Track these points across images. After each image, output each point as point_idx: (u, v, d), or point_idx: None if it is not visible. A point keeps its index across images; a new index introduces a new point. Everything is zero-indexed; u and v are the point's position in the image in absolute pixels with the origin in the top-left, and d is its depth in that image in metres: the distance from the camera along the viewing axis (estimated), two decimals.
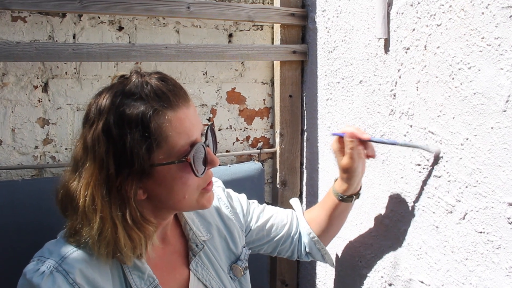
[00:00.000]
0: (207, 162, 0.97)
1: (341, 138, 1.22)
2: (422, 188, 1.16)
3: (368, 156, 1.23)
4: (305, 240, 1.35)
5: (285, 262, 1.76)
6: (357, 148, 1.18)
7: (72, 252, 0.92)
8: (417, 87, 1.17)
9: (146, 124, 0.88)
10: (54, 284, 0.88)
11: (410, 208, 1.21)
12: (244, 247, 1.24)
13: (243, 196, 1.32)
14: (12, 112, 1.46)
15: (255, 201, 1.36)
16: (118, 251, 0.91)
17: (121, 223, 0.90)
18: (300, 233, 1.36)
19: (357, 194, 1.29)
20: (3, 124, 1.46)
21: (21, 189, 1.42)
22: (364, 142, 1.20)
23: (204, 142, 0.97)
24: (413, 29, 1.17)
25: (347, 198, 1.26)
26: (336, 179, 1.30)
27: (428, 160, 1.14)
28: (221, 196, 1.25)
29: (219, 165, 1.69)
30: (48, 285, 0.88)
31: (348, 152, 1.18)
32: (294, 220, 1.36)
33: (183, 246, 1.12)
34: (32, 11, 1.45)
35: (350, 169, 1.20)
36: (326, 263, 1.38)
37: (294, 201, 1.47)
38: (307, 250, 1.35)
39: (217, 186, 1.27)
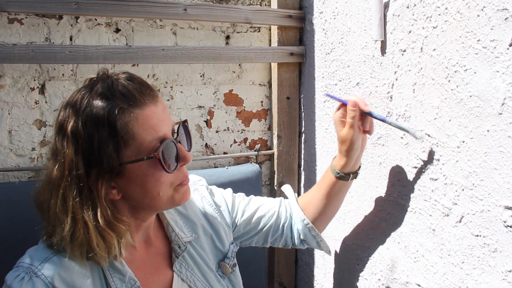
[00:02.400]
0: (179, 158, 0.97)
1: (343, 107, 1.19)
2: (418, 191, 1.16)
3: (364, 132, 1.19)
4: (299, 227, 1.31)
5: (283, 264, 1.76)
6: (358, 118, 1.16)
7: (51, 256, 0.93)
8: (414, 90, 1.16)
9: (112, 123, 0.88)
10: None
11: (407, 211, 1.20)
12: (232, 243, 1.23)
13: (227, 191, 1.31)
14: (9, 114, 1.46)
15: (241, 194, 1.34)
16: (92, 252, 0.91)
17: (93, 223, 0.90)
18: (292, 221, 1.33)
19: (355, 174, 1.25)
20: (0, 126, 1.46)
21: (18, 190, 1.42)
22: (362, 117, 1.18)
23: (175, 139, 0.97)
24: (410, 31, 1.17)
25: (344, 175, 1.23)
26: (335, 157, 1.26)
27: (424, 161, 1.14)
28: (204, 194, 1.24)
29: (216, 167, 1.70)
30: None
31: (349, 122, 1.16)
32: (283, 208, 1.33)
33: (167, 247, 1.12)
34: (28, 13, 1.44)
35: (350, 140, 1.16)
36: (322, 250, 1.35)
37: (287, 188, 1.45)
38: (302, 237, 1.31)
39: (201, 185, 1.26)
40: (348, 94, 1.23)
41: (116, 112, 0.88)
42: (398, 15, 1.21)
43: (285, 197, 1.42)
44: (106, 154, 0.88)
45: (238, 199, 1.31)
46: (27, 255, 0.96)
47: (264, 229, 1.30)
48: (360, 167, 1.27)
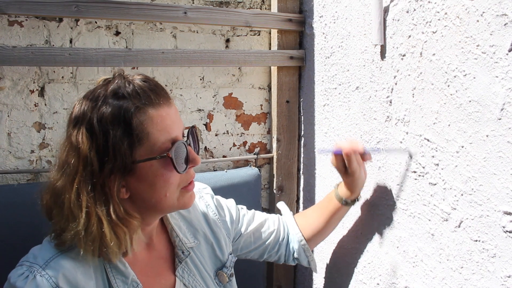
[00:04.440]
0: (189, 160, 0.98)
1: (337, 155, 1.26)
2: (417, 196, 1.16)
3: (365, 160, 1.27)
4: (294, 246, 1.36)
5: (282, 268, 1.76)
6: (357, 161, 1.23)
7: (56, 256, 0.93)
8: (413, 94, 1.16)
9: (128, 121, 0.89)
10: None
11: (405, 215, 1.20)
12: (231, 254, 1.24)
13: (231, 203, 1.32)
14: (8, 116, 1.46)
15: (244, 207, 1.36)
16: (104, 247, 0.92)
17: (106, 219, 0.90)
18: (288, 239, 1.36)
19: (358, 198, 1.33)
20: (0, 128, 1.46)
21: (17, 193, 1.42)
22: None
23: (186, 141, 0.99)
24: (409, 36, 1.17)
25: (350, 202, 1.31)
26: (338, 184, 1.34)
27: (424, 167, 1.13)
28: (209, 203, 1.25)
29: (215, 170, 1.70)
30: None
31: (351, 168, 1.23)
32: (282, 226, 1.37)
33: (170, 252, 1.12)
34: (29, 16, 1.45)
35: (356, 180, 1.26)
36: (309, 267, 1.40)
37: (282, 205, 1.48)
38: (295, 255, 1.37)
39: (206, 193, 1.27)
40: (339, 141, 1.29)
41: (132, 110, 0.90)
42: (398, 20, 1.21)
43: (280, 213, 1.46)
44: (121, 151, 0.89)
45: (242, 212, 1.33)
46: (31, 254, 0.96)
47: (263, 245, 1.34)
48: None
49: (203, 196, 1.25)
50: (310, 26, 1.67)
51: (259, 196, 1.70)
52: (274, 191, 1.75)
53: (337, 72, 1.50)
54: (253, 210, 1.38)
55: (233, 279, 1.23)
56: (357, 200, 1.33)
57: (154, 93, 0.94)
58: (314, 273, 1.67)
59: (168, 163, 0.94)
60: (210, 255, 1.19)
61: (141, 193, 0.96)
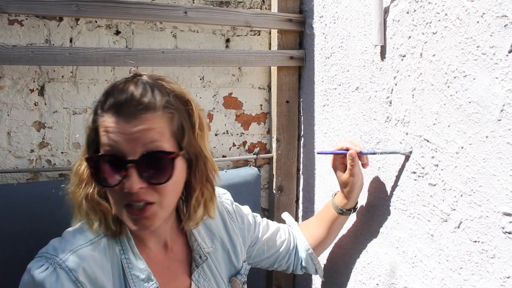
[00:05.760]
0: (102, 179, 0.93)
1: (338, 156, 1.29)
2: (417, 196, 1.16)
3: (363, 165, 1.29)
4: (302, 255, 1.37)
5: None
6: (357, 164, 1.25)
7: (76, 250, 0.93)
8: (413, 95, 1.17)
9: (93, 117, 0.96)
10: (58, 281, 0.89)
11: (405, 216, 1.20)
12: (245, 261, 1.24)
13: (248, 210, 1.33)
14: (8, 115, 1.46)
15: (258, 215, 1.37)
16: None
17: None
18: (297, 249, 1.37)
19: (355, 208, 1.35)
20: None
21: (17, 192, 1.42)
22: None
23: (128, 161, 0.90)
24: (409, 37, 1.17)
25: (346, 211, 1.33)
26: (336, 194, 1.35)
27: (423, 168, 1.14)
28: (228, 209, 1.25)
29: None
30: (51, 282, 0.89)
31: (349, 168, 1.25)
32: (291, 236, 1.39)
33: (187, 255, 1.12)
34: (29, 15, 1.45)
35: (351, 183, 1.26)
36: (317, 274, 1.43)
37: (287, 216, 1.49)
38: (303, 264, 1.39)
39: (226, 199, 1.27)
40: (339, 142, 1.30)
41: (96, 109, 0.96)
42: (398, 21, 1.21)
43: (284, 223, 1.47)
44: (89, 142, 0.98)
45: (258, 220, 1.34)
46: (50, 246, 0.96)
47: (276, 254, 1.35)
48: (358, 201, 1.35)
49: (223, 201, 1.24)
50: (310, 26, 1.67)
51: (258, 196, 1.70)
52: (274, 191, 1.75)
53: (337, 73, 1.50)
54: (265, 218, 1.39)
55: (245, 287, 1.23)
56: (354, 210, 1.34)
57: (125, 102, 0.90)
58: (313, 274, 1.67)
59: (99, 171, 0.95)
60: (226, 261, 1.19)
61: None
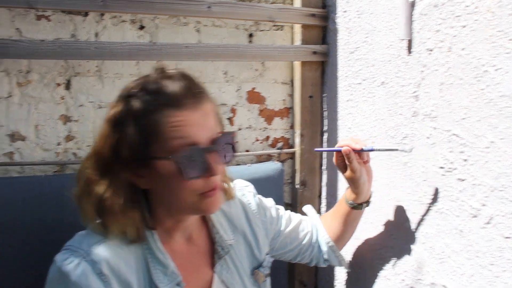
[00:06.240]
0: (206, 169, 0.94)
1: (339, 153, 1.27)
2: (445, 191, 1.15)
3: (364, 162, 1.27)
4: (323, 248, 1.37)
5: (304, 264, 1.76)
6: (353, 160, 1.23)
7: (100, 243, 0.95)
8: (441, 89, 1.15)
9: (144, 118, 0.92)
10: (82, 273, 0.90)
11: (432, 211, 1.19)
12: (267, 254, 1.24)
13: (271, 202, 1.33)
14: (35, 109, 1.48)
15: (281, 207, 1.36)
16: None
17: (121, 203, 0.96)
18: (318, 242, 1.37)
19: (367, 202, 1.33)
20: (27, 121, 1.48)
21: (44, 184, 1.44)
22: (358, 152, 1.25)
23: (208, 148, 0.95)
24: (437, 30, 1.16)
25: (357, 205, 1.31)
26: (348, 188, 1.34)
27: (452, 163, 1.12)
28: (251, 201, 1.25)
29: (238, 164, 1.70)
30: (76, 274, 0.90)
31: (348, 165, 1.25)
32: (314, 229, 1.38)
33: (209, 247, 1.12)
34: (55, 10, 1.46)
35: (355, 179, 1.25)
36: (341, 266, 1.42)
37: (309, 208, 1.48)
38: (325, 257, 1.38)
39: (248, 191, 1.27)
40: (341, 140, 1.30)
41: (151, 108, 0.91)
42: (425, 14, 1.20)
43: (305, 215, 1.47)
44: (136, 146, 0.92)
45: (281, 212, 1.34)
46: (76, 239, 0.98)
47: (299, 246, 1.35)
48: (371, 195, 1.34)
49: (245, 194, 1.25)
50: (333, 21, 1.66)
51: (281, 190, 1.70)
52: (297, 186, 1.75)
53: (362, 67, 1.49)
54: (288, 211, 1.38)
55: (268, 280, 1.23)
56: (367, 204, 1.33)
57: (180, 93, 0.93)
58: (336, 268, 1.66)
59: (183, 167, 0.92)
60: (248, 254, 1.19)
61: (158, 191, 0.98)
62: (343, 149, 1.23)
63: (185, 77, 0.97)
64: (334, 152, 1.29)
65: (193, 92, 0.95)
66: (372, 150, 1.24)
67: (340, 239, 1.36)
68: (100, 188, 0.95)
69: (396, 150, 1.22)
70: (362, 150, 1.24)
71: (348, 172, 1.26)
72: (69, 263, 0.91)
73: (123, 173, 0.95)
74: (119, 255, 0.95)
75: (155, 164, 0.93)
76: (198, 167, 0.93)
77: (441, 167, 1.16)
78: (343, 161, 1.26)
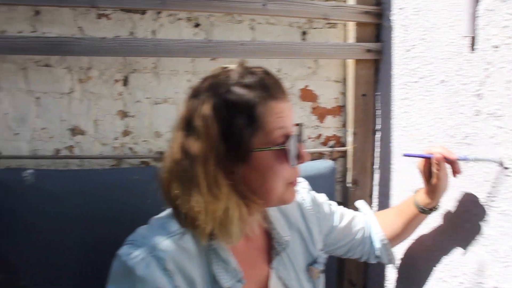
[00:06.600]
0: (299, 156, 0.99)
1: (426, 159, 1.24)
2: (510, 193, 1.11)
3: (455, 174, 1.22)
4: (377, 245, 1.35)
5: (353, 262, 1.74)
6: (443, 169, 1.20)
7: (165, 239, 0.95)
8: (507, 87, 1.12)
9: (251, 110, 0.92)
10: (148, 268, 0.91)
11: (495, 212, 1.16)
12: (321, 250, 1.23)
13: (324, 198, 1.32)
14: (95, 104, 1.53)
15: (333, 203, 1.35)
16: (227, 230, 0.95)
17: (234, 203, 0.95)
18: (371, 238, 1.35)
19: (436, 208, 1.30)
20: (87, 116, 1.53)
21: (102, 178, 1.48)
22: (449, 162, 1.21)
23: (299, 137, 1.00)
24: (505, 26, 1.12)
25: (427, 210, 1.29)
26: (418, 191, 1.31)
27: None
28: (305, 197, 1.25)
29: None
30: (141, 269, 0.90)
31: (435, 173, 1.21)
32: (367, 225, 1.36)
33: (266, 243, 1.12)
34: (115, 9, 1.51)
35: (437, 187, 1.23)
36: (391, 264, 1.40)
37: (362, 204, 1.46)
38: (377, 254, 1.36)
39: (302, 187, 1.27)
40: (431, 147, 1.25)
41: (256, 100, 0.93)
42: (492, 10, 1.16)
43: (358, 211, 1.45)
44: (242, 139, 0.93)
45: (333, 208, 1.33)
46: (139, 234, 0.99)
47: (351, 242, 1.33)
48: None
49: (300, 190, 1.25)
50: (388, 19, 1.64)
51: (333, 189, 1.69)
52: (349, 185, 1.73)
53: (419, 65, 1.46)
54: (341, 206, 1.37)
55: (322, 276, 1.22)
56: (436, 209, 1.29)
57: (276, 86, 0.97)
58: (386, 268, 1.64)
59: (281, 155, 0.95)
60: (303, 250, 1.19)
61: (250, 182, 0.97)
62: (435, 156, 1.20)
63: (268, 71, 1.00)
64: (420, 158, 1.26)
65: (282, 85, 0.99)
66: (466, 159, 1.20)
67: (396, 238, 1.34)
68: (201, 189, 0.93)
69: (491, 161, 1.16)
70: (458, 159, 1.20)
71: (434, 180, 1.22)
72: (134, 257, 0.92)
73: (217, 169, 0.93)
74: (184, 251, 0.96)
75: (254, 156, 0.94)
76: (296, 155, 0.98)
77: (506, 168, 1.12)
78: (429, 168, 1.23)
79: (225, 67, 1.00)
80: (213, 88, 0.95)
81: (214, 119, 0.92)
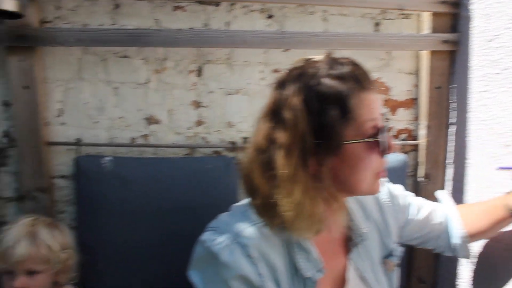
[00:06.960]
0: (389, 146, 0.96)
1: None
2: None
3: None
4: (456, 240, 1.28)
5: (423, 259, 1.70)
6: None
7: (248, 226, 0.96)
8: None
9: (344, 102, 0.90)
10: (232, 254, 0.92)
11: None
12: (397, 242, 1.21)
13: (400, 190, 1.29)
14: (169, 94, 1.57)
15: (410, 195, 1.32)
16: (297, 225, 0.94)
17: (319, 196, 0.94)
18: (450, 232, 1.30)
19: None
20: (162, 106, 1.57)
21: (176, 166, 1.53)
22: None
23: (387, 128, 0.98)
24: None
25: None
26: (509, 193, 1.25)
27: None
28: (382, 189, 1.22)
29: None
30: (226, 255, 0.92)
31: None
32: (446, 219, 1.31)
33: (343, 234, 1.12)
34: (190, 1, 1.54)
35: None
36: (465, 258, 1.33)
37: (443, 195, 1.40)
38: (453, 248, 1.30)
39: None
40: None
41: (347, 92, 0.91)
42: None
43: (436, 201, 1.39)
44: (334, 131, 0.91)
45: (410, 200, 1.29)
46: (222, 221, 1.00)
47: (427, 235, 1.29)
48: None
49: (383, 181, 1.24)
50: (466, 8, 1.58)
51: (404, 183, 1.66)
52: (420, 179, 1.69)
53: (503, 56, 1.40)
54: (419, 198, 1.34)
55: (397, 269, 1.20)
56: None
57: (366, 77, 0.95)
58: (459, 267, 1.59)
59: (372, 147, 0.94)
60: (379, 242, 1.17)
61: (340, 175, 0.96)
62: None
63: (356, 62, 0.97)
64: None
65: (370, 76, 0.96)
66: None
67: (477, 236, 1.28)
68: (298, 185, 0.92)
69: None
70: None
71: None
72: (218, 243, 0.93)
73: (320, 163, 0.93)
74: (267, 239, 0.96)
75: (345, 148, 0.93)
76: (386, 146, 0.95)
77: None
78: None
79: (309, 59, 0.98)
80: (302, 79, 0.93)
81: (305, 111, 0.90)
